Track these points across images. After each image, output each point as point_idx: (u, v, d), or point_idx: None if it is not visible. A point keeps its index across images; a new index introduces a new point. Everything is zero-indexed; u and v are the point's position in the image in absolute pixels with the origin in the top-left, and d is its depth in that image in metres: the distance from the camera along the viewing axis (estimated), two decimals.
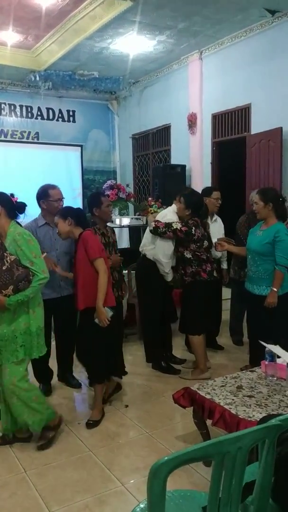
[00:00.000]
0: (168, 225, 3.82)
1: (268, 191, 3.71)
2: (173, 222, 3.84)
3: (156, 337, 4.24)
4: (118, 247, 4.19)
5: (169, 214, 4.00)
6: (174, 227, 3.79)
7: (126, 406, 3.46)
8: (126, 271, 5.00)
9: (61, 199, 3.57)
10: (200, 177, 7.69)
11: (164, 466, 1.20)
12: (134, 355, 4.59)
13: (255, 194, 3.72)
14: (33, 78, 8.23)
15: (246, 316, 4.63)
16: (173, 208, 4.03)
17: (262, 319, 3.56)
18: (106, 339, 3.22)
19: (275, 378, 2.74)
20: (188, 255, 3.87)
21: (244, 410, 2.36)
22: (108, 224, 4.00)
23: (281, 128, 6.07)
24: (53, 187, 3.59)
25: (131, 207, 8.17)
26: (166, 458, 1.19)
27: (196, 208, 3.93)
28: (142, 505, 1.60)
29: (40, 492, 2.45)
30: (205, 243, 3.92)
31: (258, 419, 2.23)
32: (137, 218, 6.98)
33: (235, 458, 1.26)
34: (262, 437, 1.32)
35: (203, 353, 3.97)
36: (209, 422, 2.58)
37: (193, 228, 3.81)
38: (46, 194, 3.54)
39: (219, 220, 4.76)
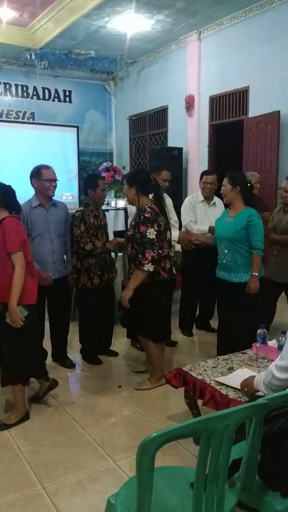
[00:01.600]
0: (146, 242, 3.15)
1: (236, 175, 3.64)
2: (148, 233, 3.14)
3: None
4: (114, 230, 4.20)
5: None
6: (152, 237, 3.14)
7: (119, 386, 3.51)
8: (122, 254, 5.01)
9: (53, 179, 3.55)
10: (197, 160, 7.65)
11: (153, 442, 1.23)
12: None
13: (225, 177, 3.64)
14: (28, 57, 8.10)
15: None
16: None
17: (243, 307, 3.49)
18: (27, 338, 2.91)
19: (266, 360, 2.78)
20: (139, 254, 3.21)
21: (234, 391, 2.39)
22: (103, 207, 3.99)
23: (279, 112, 6.04)
24: (47, 167, 3.57)
25: None
26: (154, 434, 1.22)
27: (143, 186, 3.29)
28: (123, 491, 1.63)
29: (33, 469, 2.50)
30: (168, 234, 3.37)
31: (248, 399, 2.27)
32: None
33: (222, 435, 1.29)
34: (249, 415, 1.35)
35: (162, 358, 3.56)
36: (200, 402, 2.63)
37: (158, 218, 3.22)
38: (38, 173, 3.52)
39: (219, 203, 4.54)
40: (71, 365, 3.88)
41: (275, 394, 1.50)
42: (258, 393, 1.99)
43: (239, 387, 2.42)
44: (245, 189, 3.53)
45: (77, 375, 3.83)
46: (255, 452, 1.48)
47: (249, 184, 3.62)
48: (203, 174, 4.57)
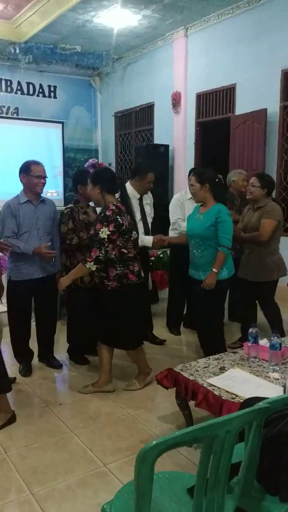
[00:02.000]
0: (96, 240, 3.01)
1: (203, 172, 3.53)
2: (101, 232, 2.98)
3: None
4: None
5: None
6: (103, 237, 2.96)
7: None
8: None
9: (42, 176, 3.46)
10: (183, 157, 7.62)
11: (152, 451, 1.17)
12: None
13: (191, 176, 3.58)
14: (12, 51, 7.95)
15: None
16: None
17: (209, 305, 3.44)
18: None
19: (257, 360, 2.76)
20: (111, 254, 3.03)
21: (227, 391, 2.36)
22: (91, 204, 3.92)
23: (265, 110, 6.03)
24: (37, 163, 3.48)
25: None
26: (154, 442, 1.17)
27: (107, 185, 3.12)
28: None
29: (21, 474, 2.42)
30: (134, 234, 3.17)
31: (241, 400, 2.24)
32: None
33: (224, 441, 1.25)
34: (250, 420, 1.31)
35: (143, 357, 3.48)
36: (191, 403, 2.59)
37: (118, 217, 3.02)
38: (27, 169, 3.43)
39: None
40: (58, 366, 3.80)
41: (276, 397, 1.46)
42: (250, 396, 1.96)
43: (231, 391, 2.38)
44: (214, 185, 3.44)
45: (64, 375, 3.75)
46: (255, 457, 1.44)
47: (217, 180, 3.54)
48: (191, 172, 4.52)
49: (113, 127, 9.55)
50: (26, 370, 3.66)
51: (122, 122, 9.35)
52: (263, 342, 2.86)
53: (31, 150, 7.98)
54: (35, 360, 3.82)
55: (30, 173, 3.41)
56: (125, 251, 3.07)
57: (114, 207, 3.03)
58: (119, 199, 3.24)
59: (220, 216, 3.31)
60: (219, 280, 3.35)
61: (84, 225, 3.60)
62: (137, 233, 3.28)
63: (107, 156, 9.71)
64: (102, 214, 3.04)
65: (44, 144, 8.66)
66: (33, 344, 3.79)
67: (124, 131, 9.33)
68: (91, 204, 3.68)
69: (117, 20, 6.81)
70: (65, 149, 9.14)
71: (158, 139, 8.19)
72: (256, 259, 3.81)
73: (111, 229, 2.97)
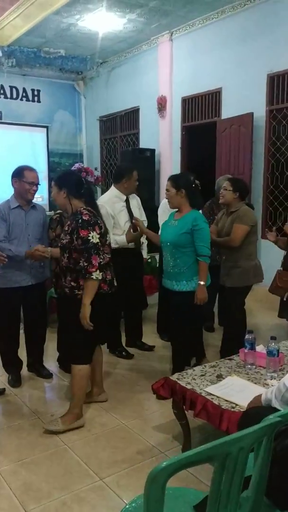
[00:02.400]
0: (90, 247, 2.72)
1: (179, 177, 3.43)
2: (90, 237, 2.73)
3: (117, 324, 4.16)
4: None
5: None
6: (96, 241, 2.75)
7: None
8: None
9: (35, 183, 3.37)
10: (170, 162, 7.59)
11: (163, 472, 1.11)
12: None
13: (168, 181, 3.45)
14: None
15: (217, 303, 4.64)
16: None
17: (184, 318, 3.32)
18: None
19: (254, 367, 2.71)
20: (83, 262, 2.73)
21: (227, 400, 2.31)
22: None
23: (252, 114, 6.04)
24: (31, 169, 3.40)
25: (99, 191, 7.99)
26: (164, 463, 1.10)
27: (74, 189, 2.88)
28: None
29: (14, 491, 2.33)
30: (108, 238, 3.00)
31: (242, 410, 2.19)
32: None
33: (237, 459, 1.19)
34: (263, 435, 1.26)
35: (84, 391, 2.99)
36: (189, 412, 2.53)
37: (98, 220, 2.85)
38: (20, 174, 3.34)
39: None
40: (48, 375, 3.70)
41: (286, 411, 1.41)
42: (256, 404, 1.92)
43: (230, 399, 2.34)
44: (191, 191, 3.30)
45: (54, 385, 3.66)
46: (265, 472, 1.39)
47: (193, 185, 3.41)
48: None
49: (98, 131, 9.49)
50: (16, 381, 3.55)
51: (107, 126, 9.30)
52: (260, 348, 2.82)
53: (15, 154, 7.87)
54: (24, 370, 3.72)
55: (23, 178, 3.33)
56: (101, 257, 2.81)
57: (87, 211, 2.79)
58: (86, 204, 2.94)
59: (197, 224, 3.17)
60: (191, 291, 3.23)
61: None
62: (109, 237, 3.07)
63: (92, 161, 9.64)
64: (80, 220, 2.73)
65: (29, 149, 8.56)
66: (22, 353, 3.68)
67: (109, 135, 9.27)
68: None
69: (102, 23, 6.77)
70: (49, 154, 9.05)
71: (143, 143, 8.15)
72: (231, 264, 3.70)
73: (98, 231, 2.76)
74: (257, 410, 1.96)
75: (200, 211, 4.25)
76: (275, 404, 1.79)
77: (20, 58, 8.06)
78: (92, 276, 2.69)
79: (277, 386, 1.83)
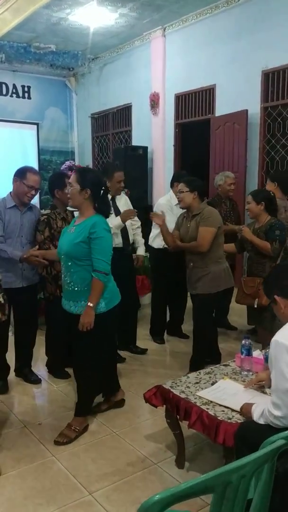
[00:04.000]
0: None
1: (86, 172, 2.81)
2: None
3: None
4: None
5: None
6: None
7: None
8: None
9: (35, 188, 3.23)
10: (163, 159, 7.47)
11: (155, 506, 0.98)
12: None
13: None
14: None
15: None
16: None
17: (87, 344, 2.75)
18: None
19: (251, 373, 2.59)
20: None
21: (223, 411, 2.18)
22: (68, 207, 3.70)
23: (246, 111, 5.93)
24: (34, 172, 3.28)
25: None
26: (157, 496, 0.98)
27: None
28: None
29: None
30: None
31: (239, 421, 2.07)
32: None
33: (238, 488, 1.07)
34: (266, 461, 1.13)
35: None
36: (183, 422, 2.41)
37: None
38: (22, 175, 3.20)
39: None
40: (36, 380, 3.56)
41: None
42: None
43: (223, 404, 2.23)
44: (97, 191, 2.73)
45: (43, 391, 3.52)
46: (267, 496, 1.27)
47: (103, 188, 2.79)
48: (185, 176, 4.32)
49: (90, 128, 9.33)
50: (3, 386, 3.41)
51: (99, 123, 9.14)
52: (256, 353, 2.70)
53: (5, 152, 7.71)
54: (11, 375, 3.58)
55: (24, 180, 3.19)
56: None
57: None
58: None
59: (95, 231, 2.59)
60: (96, 314, 2.65)
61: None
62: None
63: (84, 158, 9.48)
64: None
65: (19, 146, 8.41)
66: (9, 358, 3.54)
67: (101, 132, 9.12)
68: (69, 208, 3.47)
69: (93, 18, 6.62)
70: (40, 151, 8.89)
71: (136, 141, 8.01)
72: (201, 270, 3.41)
73: None
74: (258, 426, 1.85)
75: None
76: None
77: (10, 53, 7.89)
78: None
79: (263, 413, 1.77)
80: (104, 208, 2.79)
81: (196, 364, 3.48)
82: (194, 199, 3.42)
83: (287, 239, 3.63)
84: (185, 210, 3.58)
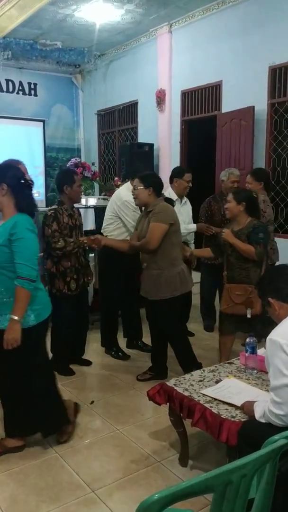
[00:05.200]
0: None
1: (3, 168, 2.51)
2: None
3: (114, 322, 4.03)
4: (84, 229, 3.90)
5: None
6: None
7: (92, 402, 3.18)
8: (92, 255, 4.73)
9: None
10: (169, 156, 7.42)
11: (154, 505, 0.97)
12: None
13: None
14: None
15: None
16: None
17: (11, 368, 2.43)
18: None
19: (255, 371, 2.57)
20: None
21: (226, 409, 2.17)
22: (75, 205, 3.70)
23: (253, 107, 5.87)
24: (17, 162, 3.26)
25: (96, 187, 7.83)
26: (156, 496, 0.96)
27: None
28: None
29: (0, 504, 2.19)
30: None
31: (242, 419, 2.05)
32: (103, 199, 6.66)
33: (239, 487, 1.05)
34: (268, 460, 1.12)
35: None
36: (186, 420, 2.39)
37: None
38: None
39: (188, 201, 4.48)
40: None
41: None
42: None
43: (228, 402, 2.21)
44: (19, 187, 2.43)
45: None
46: (269, 495, 1.25)
47: (22, 181, 2.48)
48: (184, 172, 4.29)
49: (96, 125, 9.31)
50: None
51: (105, 120, 9.12)
52: (261, 351, 2.67)
53: (11, 149, 7.67)
54: None
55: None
56: None
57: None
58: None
59: (15, 232, 2.30)
60: (24, 328, 2.32)
61: (69, 228, 3.39)
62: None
63: (90, 155, 9.47)
64: None
65: (25, 143, 8.38)
66: None
67: (107, 129, 9.10)
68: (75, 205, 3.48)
69: (99, 14, 6.58)
70: (46, 148, 8.86)
71: (142, 137, 7.98)
72: (154, 272, 3.21)
73: None
74: (261, 425, 1.84)
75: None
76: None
77: (16, 50, 7.87)
78: None
79: (264, 412, 1.77)
80: (25, 205, 2.43)
81: (186, 364, 3.31)
82: (149, 196, 3.22)
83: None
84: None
